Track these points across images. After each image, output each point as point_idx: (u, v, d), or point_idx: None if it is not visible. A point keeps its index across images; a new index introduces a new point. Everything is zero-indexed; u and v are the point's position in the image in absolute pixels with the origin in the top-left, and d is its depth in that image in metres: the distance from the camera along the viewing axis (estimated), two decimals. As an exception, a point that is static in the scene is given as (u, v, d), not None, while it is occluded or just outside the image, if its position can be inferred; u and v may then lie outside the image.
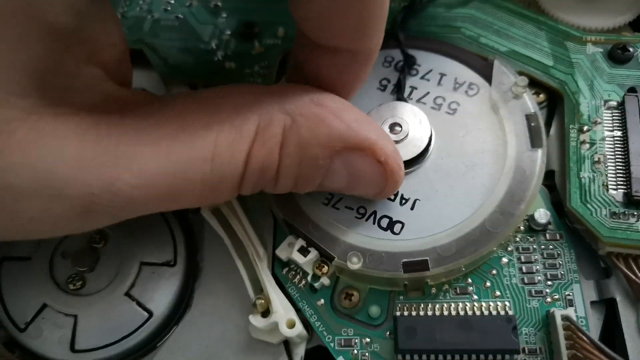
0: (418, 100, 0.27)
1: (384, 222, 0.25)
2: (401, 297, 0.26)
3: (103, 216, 0.19)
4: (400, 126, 0.26)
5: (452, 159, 0.26)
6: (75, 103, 0.18)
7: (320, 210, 0.26)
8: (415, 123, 0.26)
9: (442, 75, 0.28)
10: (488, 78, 0.27)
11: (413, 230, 0.25)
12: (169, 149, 0.18)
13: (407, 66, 0.28)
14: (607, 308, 0.25)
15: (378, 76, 0.28)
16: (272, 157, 0.20)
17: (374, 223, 0.25)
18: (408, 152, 0.25)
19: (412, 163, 0.26)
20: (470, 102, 0.27)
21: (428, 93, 0.28)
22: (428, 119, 0.26)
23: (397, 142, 0.25)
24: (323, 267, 0.26)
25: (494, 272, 0.26)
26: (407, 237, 0.25)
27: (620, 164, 0.26)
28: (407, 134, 0.25)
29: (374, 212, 0.25)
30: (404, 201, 0.25)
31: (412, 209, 0.25)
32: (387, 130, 0.26)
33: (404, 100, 0.27)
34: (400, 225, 0.25)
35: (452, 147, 0.26)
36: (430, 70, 0.28)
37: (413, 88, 0.28)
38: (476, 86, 0.27)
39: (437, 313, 0.25)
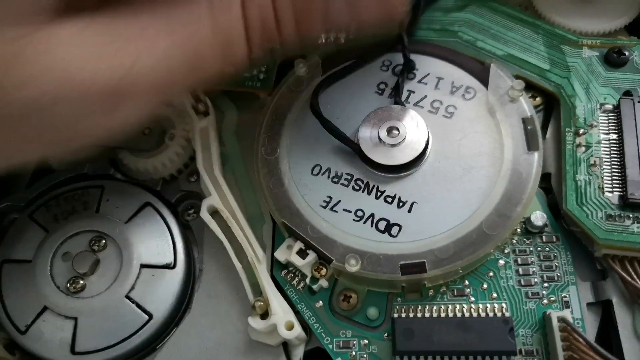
0: (415, 104, 0.28)
1: (382, 225, 0.25)
2: (399, 299, 0.26)
3: (134, 105, 0.19)
4: (398, 130, 0.26)
5: (449, 162, 0.26)
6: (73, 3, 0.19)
7: (319, 213, 0.26)
8: (412, 126, 0.26)
9: (439, 79, 0.28)
10: (485, 82, 0.28)
11: (410, 233, 0.25)
12: (170, 22, 0.19)
13: (406, 70, 0.28)
14: (603, 310, 0.26)
15: (375, 80, 0.29)
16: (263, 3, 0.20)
17: (371, 226, 0.25)
18: (406, 155, 0.26)
19: (409, 166, 0.26)
20: (467, 106, 0.27)
21: (425, 97, 0.28)
22: (425, 123, 0.26)
23: (394, 145, 0.26)
24: (321, 269, 0.26)
25: (491, 274, 0.26)
26: (405, 239, 0.25)
27: (616, 166, 0.26)
28: (405, 138, 0.26)
29: (372, 215, 0.26)
30: (401, 204, 0.26)
31: (409, 211, 0.25)
32: (384, 134, 0.26)
33: (402, 104, 0.27)
34: (397, 227, 0.25)
35: (449, 151, 0.26)
36: (428, 74, 0.28)
37: (410, 92, 0.28)
38: (473, 90, 0.28)
39: (435, 315, 0.25)
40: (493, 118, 0.27)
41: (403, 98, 0.28)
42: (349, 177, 0.26)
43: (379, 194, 0.26)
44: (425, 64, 0.29)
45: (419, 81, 0.28)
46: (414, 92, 0.28)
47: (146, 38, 0.19)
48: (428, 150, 0.26)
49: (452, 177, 0.26)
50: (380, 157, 0.26)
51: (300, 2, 0.20)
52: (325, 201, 0.26)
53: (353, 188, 0.26)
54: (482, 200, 0.25)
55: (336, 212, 0.26)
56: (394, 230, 0.25)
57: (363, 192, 0.26)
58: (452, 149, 0.26)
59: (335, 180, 0.26)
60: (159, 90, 0.20)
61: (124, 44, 0.18)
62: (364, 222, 0.25)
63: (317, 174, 0.27)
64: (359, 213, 0.26)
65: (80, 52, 0.18)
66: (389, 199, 0.26)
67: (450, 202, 0.25)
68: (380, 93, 0.28)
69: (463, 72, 0.28)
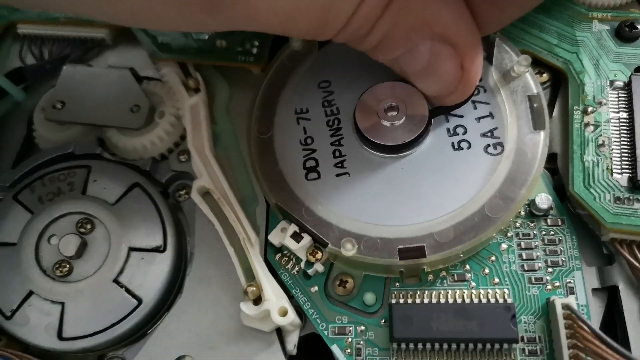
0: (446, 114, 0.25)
1: (309, 163, 0.25)
2: (397, 284, 0.25)
3: (222, 20, 0.19)
4: (398, 109, 0.24)
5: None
6: None
7: (312, 193, 0.25)
8: (412, 122, 0.24)
9: (489, 116, 0.25)
10: (522, 150, 0.24)
11: (317, 192, 0.25)
12: None
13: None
14: (609, 296, 0.25)
15: None
16: (374, 12, 0.20)
17: (304, 157, 0.25)
18: (382, 139, 0.24)
19: (381, 150, 0.25)
20: (480, 158, 0.24)
21: (462, 117, 0.25)
22: (431, 131, 0.25)
23: (383, 124, 0.24)
24: (317, 253, 0.25)
25: (493, 258, 0.25)
26: (312, 191, 0.24)
27: (626, 146, 0.25)
28: (404, 118, 0.24)
29: (312, 150, 0.25)
30: (339, 174, 0.25)
31: (337, 176, 0.25)
32: (382, 108, 0.24)
33: (440, 113, 0.25)
34: (315, 174, 0.25)
35: (429, 173, 0.24)
36: (486, 104, 0.25)
37: None
38: (502, 148, 0.24)
39: (434, 301, 0.24)
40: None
41: None
42: (336, 112, 0.26)
43: (336, 145, 0.25)
44: (492, 93, 0.26)
45: (473, 101, 0.25)
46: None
47: None
48: (407, 153, 0.25)
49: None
50: (367, 128, 0.24)
51: (394, 33, 0.21)
52: (300, 110, 0.26)
53: (328, 123, 0.26)
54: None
55: (298, 124, 0.26)
56: (312, 174, 0.25)
57: (332, 136, 0.26)
58: (432, 174, 0.24)
59: (326, 105, 0.26)
60: (250, 24, 0.19)
61: None
62: (303, 149, 0.25)
63: (324, 87, 0.27)
64: (308, 141, 0.26)
65: None
66: (338, 160, 0.25)
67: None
68: None
69: (515, 129, 0.25)
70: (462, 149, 0.25)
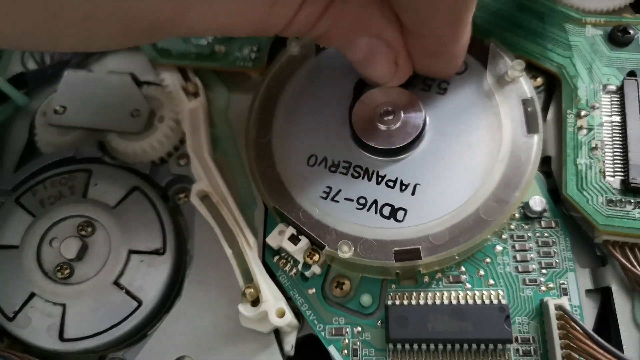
0: (408, 83, 0.26)
1: (386, 211, 0.24)
2: (393, 286, 0.25)
3: (161, 38, 0.20)
4: (393, 112, 0.25)
5: (447, 139, 0.25)
6: None
7: (312, 199, 0.25)
8: (408, 107, 0.25)
9: None
10: (477, 56, 0.26)
11: (416, 216, 0.24)
12: None
13: None
14: (602, 297, 0.25)
15: None
16: (311, 19, 0.21)
17: (376, 212, 0.24)
18: (402, 138, 0.25)
19: (407, 148, 0.25)
20: (459, 80, 0.26)
21: (415, 76, 0.26)
22: (421, 101, 0.25)
23: (390, 128, 0.25)
24: (314, 255, 0.25)
25: (488, 260, 0.26)
26: (411, 224, 0.24)
27: (618, 150, 0.25)
28: (400, 120, 0.25)
29: (375, 201, 0.25)
30: (404, 187, 0.25)
31: (413, 194, 0.25)
32: (379, 116, 0.25)
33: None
34: (403, 212, 0.24)
35: (446, 128, 0.25)
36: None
37: None
38: (464, 64, 0.26)
39: (430, 302, 0.24)
40: (491, 99, 0.26)
41: None
42: (347, 165, 0.25)
43: (379, 179, 0.25)
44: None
45: None
46: None
47: None
48: (425, 131, 0.25)
49: (451, 155, 0.25)
50: (376, 140, 0.25)
51: (336, 29, 0.21)
52: (325, 192, 0.25)
53: (352, 175, 0.25)
54: (479, 185, 0.24)
55: (338, 202, 0.25)
56: (400, 214, 0.24)
57: (363, 178, 0.25)
58: (449, 126, 0.25)
59: (333, 169, 0.26)
60: (191, 34, 0.20)
61: None
62: (368, 210, 0.25)
63: (314, 164, 0.26)
64: (362, 201, 0.25)
65: None
66: (391, 183, 0.25)
67: (446, 187, 0.25)
68: None
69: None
70: (446, 88, 0.26)
